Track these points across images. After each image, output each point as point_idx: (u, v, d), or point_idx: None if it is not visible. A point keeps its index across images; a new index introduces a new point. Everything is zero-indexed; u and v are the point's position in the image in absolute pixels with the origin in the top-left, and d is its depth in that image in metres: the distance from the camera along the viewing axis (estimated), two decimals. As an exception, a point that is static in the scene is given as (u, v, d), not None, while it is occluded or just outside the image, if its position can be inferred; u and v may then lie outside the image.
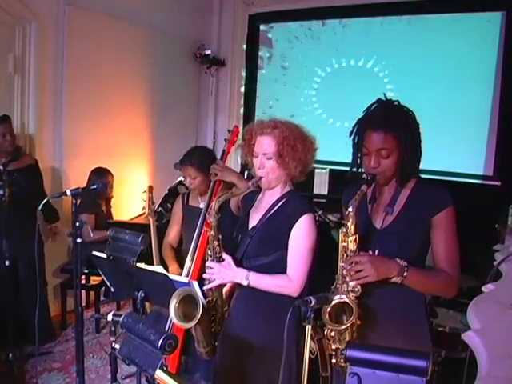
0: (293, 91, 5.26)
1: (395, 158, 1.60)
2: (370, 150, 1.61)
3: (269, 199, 1.94)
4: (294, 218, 1.82)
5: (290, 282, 1.83)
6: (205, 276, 1.92)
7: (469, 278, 2.91)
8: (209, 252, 1.90)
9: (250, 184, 1.87)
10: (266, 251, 1.87)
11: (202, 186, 2.74)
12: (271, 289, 1.84)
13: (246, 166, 2.11)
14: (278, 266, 1.85)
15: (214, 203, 1.84)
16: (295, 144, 1.83)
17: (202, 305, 1.74)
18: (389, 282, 1.54)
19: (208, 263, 1.90)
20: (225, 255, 1.89)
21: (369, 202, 1.73)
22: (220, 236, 1.87)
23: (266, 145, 1.85)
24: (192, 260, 2.60)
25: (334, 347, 1.59)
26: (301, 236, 1.82)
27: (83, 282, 3.89)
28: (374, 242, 1.64)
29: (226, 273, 1.86)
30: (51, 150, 4.05)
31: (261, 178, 1.87)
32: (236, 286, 1.97)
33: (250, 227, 1.94)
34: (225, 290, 2.04)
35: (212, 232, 1.86)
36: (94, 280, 3.97)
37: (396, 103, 1.66)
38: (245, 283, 1.84)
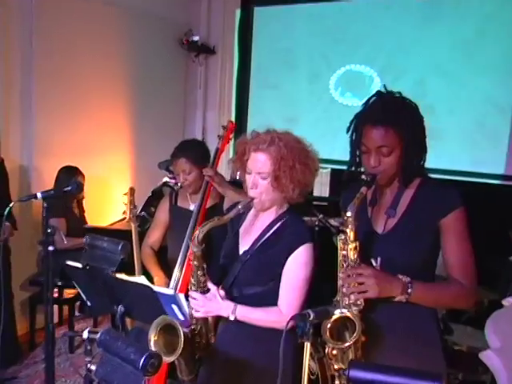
0: (290, 83, 5.29)
1: (397, 155, 1.62)
2: (370, 148, 1.62)
3: (263, 221, 1.93)
4: (291, 248, 1.82)
5: (282, 316, 1.80)
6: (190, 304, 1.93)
7: (488, 291, 2.93)
8: (192, 280, 1.89)
9: (240, 207, 1.84)
10: (261, 280, 1.88)
11: (197, 183, 2.73)
12: (260, 324, 1.85)
13: (235, 181, 2.11)
14: (273, 297, 1.86)
15: (197, 233, 1.81)
16: (293, 164, 1.80)
17: (185, 334, 1.74)
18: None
19: (191, 293, 1.90)
20: (210, 285, 1.88)
21: (369, 205, 1.75)
22: (204, 265, 1.87)
23: (260, 163, 1.82)
24: (181, 270, 2.60)
25: (336, 367, 1.59)
26: (297, 267, 1.82)
27: (55, 295, 3.88)
28: (375, 249, 1.66)
29: (210, 305, 1.86)
30: (19, 147, 4.06)
31: (252, 199, 1.86)
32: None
33: (242, 251, 1.93)
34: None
35: (195, 262, 1.85)
36: (68, 293, 3.97)
37: (397, 95, 1.67)
38: (231, 318, 1.84)
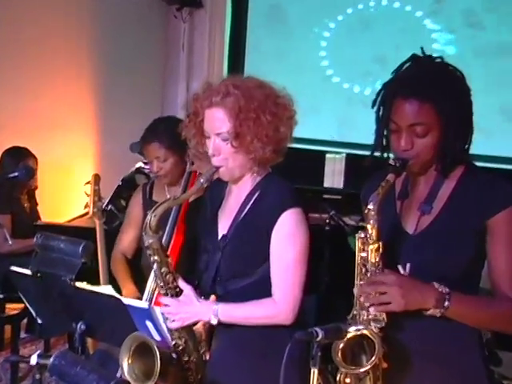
0: (295, 44, 5.30)
1: (435, 136, 1.61)
2: (401, 126, 1.61)
3: (238, 195, 1.95)
4: (272, 218, 1.84)
5: (277, 307, 1.83)
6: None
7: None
8: (159, 282, 1.89)
9: (202, 181, 1.86)
10: (246, 269, 1.89)
11: (174, 172, 2.73)
12: (253, 322, 1.86)
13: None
14: (270, 286, 1.86)
15: (148, 218, 1.81)
16: (257, 116, 1.80)
17: (166, 354, 1.75)
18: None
19: (162, 300, 1.90)
20: (182, 284, 1.88)
21: (398, 198, 1.75)
22: (169, 260, 1.88)
23: (217, 121, 1.83)
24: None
25: (350, 398, 1.60)
26: (285, 241, 1.84)
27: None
28: (404, 252, 1.65)
29: (186, 310, 1.86)
30: None
31: (217, 168, 1.87)
32: None
33: (220, 236, 1.96)
34: (198, 325, 2.05)
35: (156, 257, 1.84)
36: (12, 309, 3.93)
37: (438, 60, 1.67)
38: (214, 322, 1.84)
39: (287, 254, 1.85)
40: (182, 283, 1.88)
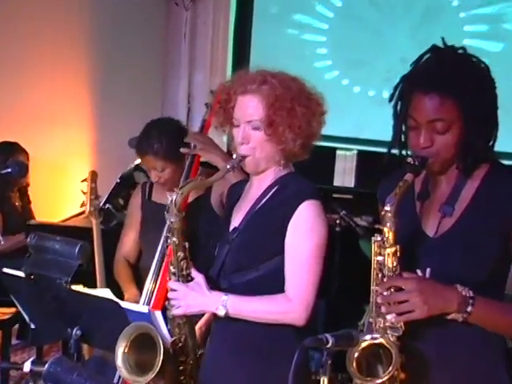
0: (304, 36, 5.33)
1: (456, 133, 1.60)
2: (420, 122, 1.61)
3: (257, 188, 1.98)
4: (290, 208, 1.86)
5: (290, 304, 1.84)
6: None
7: None
8: (171, 268, 1.92)
9: (229, 167, 1.90)
10: (253, 261, 1.90)
11: (174, 178, 2.74)
12: (262, 317, 1.86)
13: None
14: (276, 282, 1.88)
15: (174, 196, 1.85)
16: (292, 106, 1.85)
17: (165, 349, 1.74)
18: (446, 319, 1.55)
19: (170, 283, 1.93)
20: (194, 272, 1.91)
21: (417, 199, 1.74)
22: (186, 244, 1.90)
23: (250, 108, 1.87)
24: (155, 281, 2.63)
25: (364, 412, 1.59)
26: (302, 233, 1.86)
27: (-16, 315, 3.87)
28: (424, 257, 1.65)
29: (194, 298, 1.88)
30: None
31: (244, 157, 1.89)
32: (212, 318, 1.99)
33: (231, 229, 1.98)
34: (199, 324, 2.06)
35: (174, 238, 1.89)
36: (3, 313, 3.91)
37: (460, 51, 1.66)
38: (221, 313, 1.85)
39: (304, 246, 1.86)
40: (194, 271, 1.92)
